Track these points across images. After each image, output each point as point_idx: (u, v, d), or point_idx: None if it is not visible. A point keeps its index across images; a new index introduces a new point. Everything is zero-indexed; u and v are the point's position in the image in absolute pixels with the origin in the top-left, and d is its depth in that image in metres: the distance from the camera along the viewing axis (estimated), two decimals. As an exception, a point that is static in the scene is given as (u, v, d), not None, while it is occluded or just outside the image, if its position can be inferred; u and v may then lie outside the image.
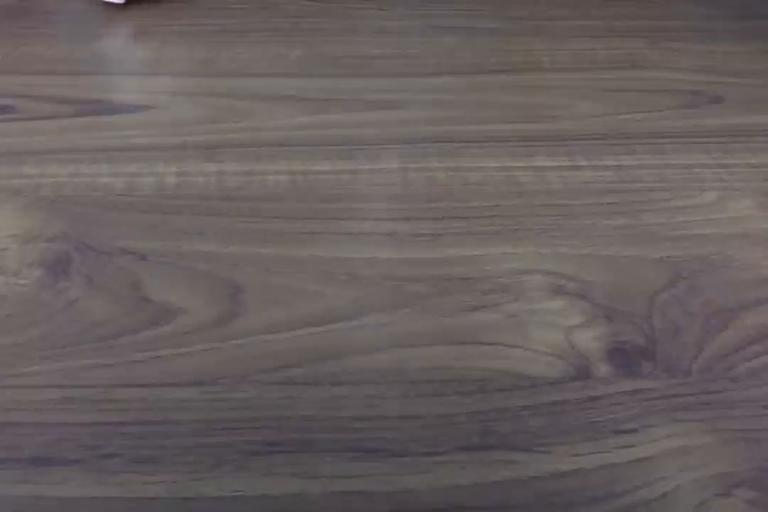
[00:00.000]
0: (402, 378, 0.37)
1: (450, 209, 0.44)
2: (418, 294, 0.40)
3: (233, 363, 0.37)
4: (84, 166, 0.46)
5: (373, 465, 0.34)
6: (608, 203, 0.45)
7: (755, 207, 0.44)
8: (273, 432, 0.35)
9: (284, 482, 0.33)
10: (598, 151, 0.47)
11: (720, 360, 0.37)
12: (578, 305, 0.40)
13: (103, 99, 0.51)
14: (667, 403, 0.36)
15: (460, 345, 0.38)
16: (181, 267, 0.41)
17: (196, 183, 0.45)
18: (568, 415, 0.35)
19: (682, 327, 0.39)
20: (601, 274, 0.41)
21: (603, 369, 0.37)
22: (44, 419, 0.35)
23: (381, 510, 0.32)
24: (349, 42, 0.59)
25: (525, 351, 0.38)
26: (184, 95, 0.52)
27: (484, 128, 0.49)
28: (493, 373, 0.37)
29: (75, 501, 0.32)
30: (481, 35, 0.62)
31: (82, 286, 0.40)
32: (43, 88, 0.52)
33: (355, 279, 0.41)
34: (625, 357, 0.37)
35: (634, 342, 0.38)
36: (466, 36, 0.62)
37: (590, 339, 0.38)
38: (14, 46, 0.55)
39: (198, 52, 0.55)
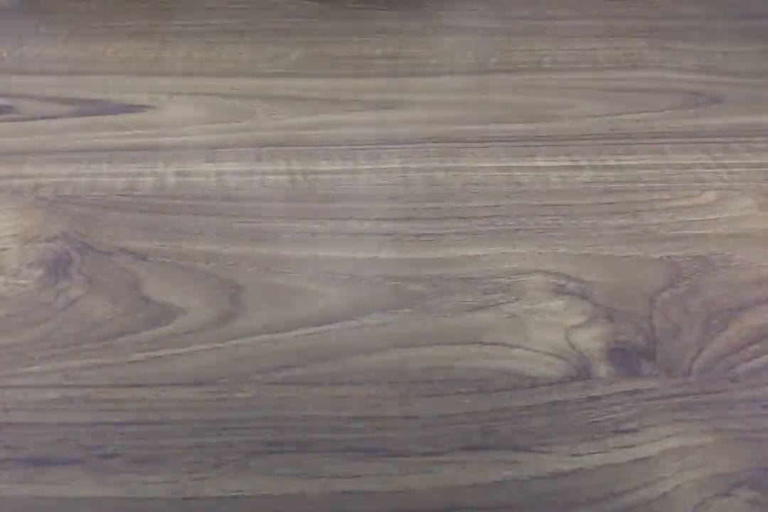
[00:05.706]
0: (402, 378, 0.37)
1: (450, 209, 0.44)
2: (418, 294, 0.40)
3: (233, 363, 0.37)
4: (84, 166, 0.46)
5: (373, 465, 0.34)
6: (608, 203, 0.45)
7: (755, 207, 0.44)
8: (273, 432, 0.35)
9: (284, 482, 0.33)
10: (599, 151, 0.47)
11: (720, 360, 0.37)
12: (578, 305, 0.40)
13: (103, 99, 0.51)
14: (667, 403, 0.36)
15: (460, 345, 0.38)
16: (181, 267, 0.41)
17: (196, 183, 0.45)
18: (568, 415, 0.35)
19: (682, 327, 0.39)
20: (601, 274, 0.41)
21: (603, 369, 0.37)
22: (44, 419, 0.35)
23: (381, 510, 0.32)
24: (349, 42, 0.59)
25: (525, 351, 0.38)
26: (184, 95, 0.52)
27: (484, 128, 0.49)
28: (493, 373, 0.37)
29: (75, 501, 0.32)
30: (481, 35, 0.62)
31: (82, 286, 0.40)
32: (43, 88, 0.52)
33: (355, 279, 0.41)
34: (625, 357, 0.37)
35: (634, 342, 0.38)
36: (466, 36, 0.62)
37: (590, 339, 0.38)
38: (14, 46, 0.55)
39: (198, 52, 0.55)
